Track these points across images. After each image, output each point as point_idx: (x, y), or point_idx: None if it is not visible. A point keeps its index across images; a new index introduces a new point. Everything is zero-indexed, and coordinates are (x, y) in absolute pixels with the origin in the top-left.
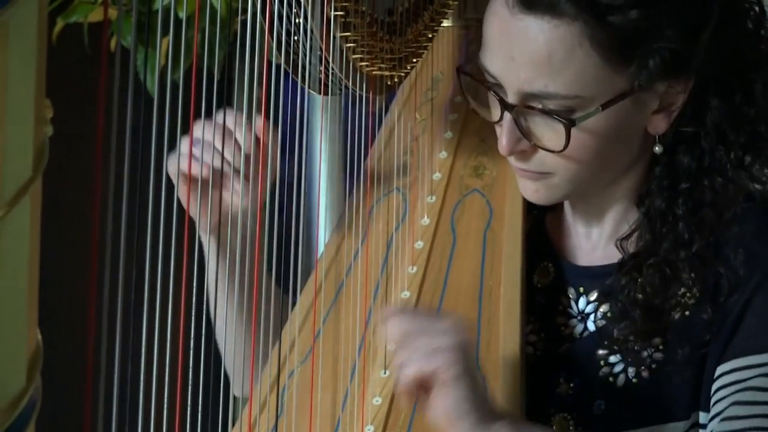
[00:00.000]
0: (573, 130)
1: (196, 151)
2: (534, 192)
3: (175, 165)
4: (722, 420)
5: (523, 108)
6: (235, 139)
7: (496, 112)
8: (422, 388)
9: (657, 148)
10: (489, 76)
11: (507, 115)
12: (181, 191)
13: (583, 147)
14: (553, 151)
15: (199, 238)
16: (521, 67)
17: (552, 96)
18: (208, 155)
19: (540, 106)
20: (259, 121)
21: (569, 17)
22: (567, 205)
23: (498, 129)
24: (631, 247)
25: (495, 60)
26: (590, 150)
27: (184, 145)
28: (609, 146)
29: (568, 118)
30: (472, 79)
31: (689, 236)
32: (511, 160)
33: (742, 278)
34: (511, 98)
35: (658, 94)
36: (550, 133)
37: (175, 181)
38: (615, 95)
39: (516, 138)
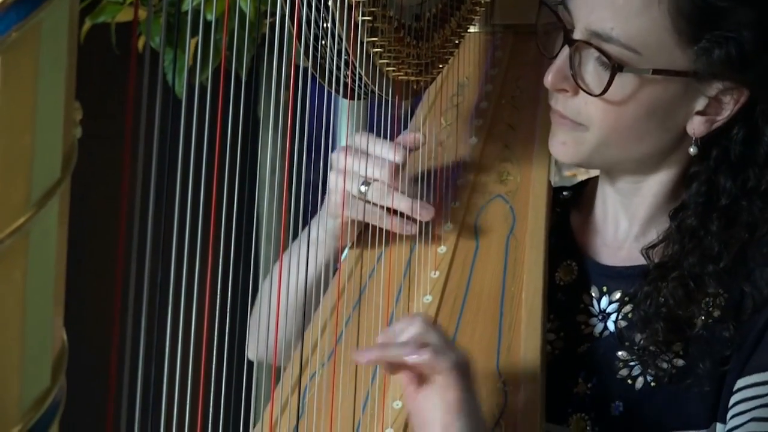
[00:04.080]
0: (617, 79)
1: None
2: (561, 144)
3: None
4: None
5: (582, 44)
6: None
7: (557, 47)
8: (410, 375)
9: (692, 149)
10: (564, 11)
11: (565, 49)
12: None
13: (621, 104)
14: (591, 94)
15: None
16: (597, 4)
17: (613, 40)
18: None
19: (598, 46)
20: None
21: None
22: (599, 200)
23: (552, 64)
24: (656, 255)
25: None
26: (626, 111)
27: (342, 159)
28: (645, 119)
29: (617, 64)
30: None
31: (718, 252)
32: (551, 100)
33: (766, 298)
34: (576, 34)
35: (709, 94)
36: (596, 78)
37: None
38: (670, 68)
39: (564, 73)
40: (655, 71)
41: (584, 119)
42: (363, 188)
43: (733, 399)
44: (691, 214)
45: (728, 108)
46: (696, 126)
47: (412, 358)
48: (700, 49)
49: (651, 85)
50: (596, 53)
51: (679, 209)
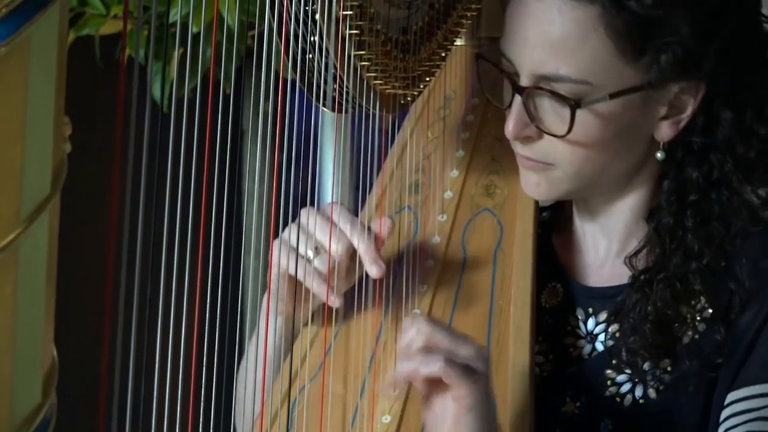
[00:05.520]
0: (578, 115)
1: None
2: (536, 186)
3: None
4: None
5: (533, 90)
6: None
7: (507, 97)
8: (428, 385)
9: (659, 154)
10: (506, 61)
11: (517, 98)
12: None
13: (587, 136)
14: (556, 136)
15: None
16: (535, 48)
17: (562, 79)
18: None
19: (549, 88)
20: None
21: (587, 0)
22: (576, 220)
23: (508, 115)
24: (640, 263)
25: (511, 42)
26: (593, 140)
27: (288, 234)
28: (613, 142)
29: (574, 101)
30: (487, 71)
31: (699, 249)
32: (516, 147)
33: (751, 293)
34: (524, 81)
35: (668, 99)
36: (555, 117)
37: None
38: (625, 87)
39: (523, 122)
40: (612, 95)
41: (553, 159)
42: (311, 253)
43: (725, 413)
44: (666, 213)
45: (690, 104)
46: (663, 131)
47: (424, 370)
48: (647, 61)
49: (611, 109)
50: (550, 95)
51: (655, 211)
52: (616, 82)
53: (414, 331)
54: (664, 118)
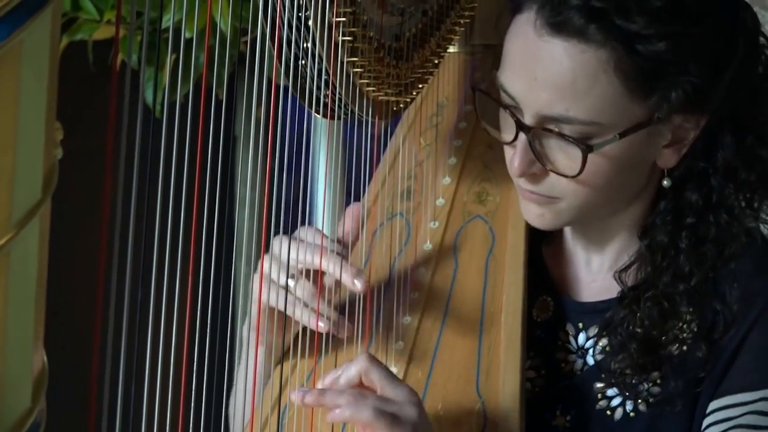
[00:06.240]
0: (589, 156)
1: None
2: (538, 216)
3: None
4: None
5: (539, 130)
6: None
7: (509, 132)
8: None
9: (665, 182)
10: (506, 95)
11: (522, 137)
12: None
13: (596, 174)
14: (566, 176)
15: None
16: (543, 89)
17: (571, 120)
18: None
19: (557, 130)
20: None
21: (597, 43)
22: (567, 233)
23: (509, 150)
24: (629, 278)
25: (516, 80)
26: (602, 177)
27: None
28: (620, 175)
29: (585, 144)
30: (486, 98)
31: (689, 270)
32: (520, 182)
33: (737, 315)
34: (528, 120)
35: (671, 128)
36: (564, 157)
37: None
38: (633, 125)
39: (529, 160)
40: (622, 134)
41: (558, 193)
42: (291, 282)
43: (706, 421)
44: (660, 232)
45: (693, 131)
46: (667, 158)
47: (332, 416)
48: (657, 99)
49: (619, 147)
50: (558, 136)
51: (648, 228)
52: (625, 120)
53: (350, 365)
54: (668, 145)
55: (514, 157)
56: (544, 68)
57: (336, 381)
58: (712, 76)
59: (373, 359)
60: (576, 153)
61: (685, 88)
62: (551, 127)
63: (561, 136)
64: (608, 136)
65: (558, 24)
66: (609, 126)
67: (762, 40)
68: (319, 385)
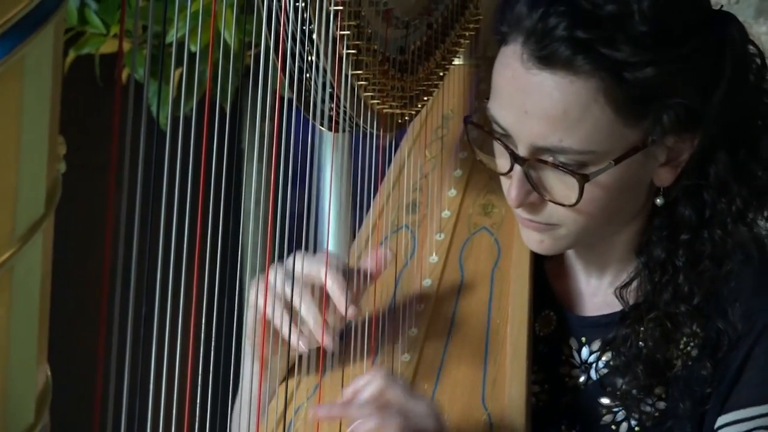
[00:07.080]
0: (585, 185)
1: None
2: (539, 243)
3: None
4: None
5: (534, 161)
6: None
7: (504, 163)
8: None
9: (658, 200)
10: (498, 127)
11: (517, 168)
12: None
13: (594, 200)
14: (564, 205)
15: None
16: (535, 122)
17: (566, 151)
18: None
19: (552, 160)
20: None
21: (585, 74)
22: (568, 252)
23: (505, 180)
24: (630, 296)
25: (506, 112)
26: (600, 203)
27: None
28: (618, 199)
29: (581, 173)
30: (479, 130)
31: (689, 289)
32: (518, 210)
33: (741, 335)
34: (522, 151)
35: (666, 148)
36: (561, 186)
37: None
38: (628, 149)
39: (526, 191)
40: (617, 160)
41: (557, 220)
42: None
43: None
44: (656, 248)
45: (687, 149)
46: (663, 177)
47: (355, 428)
48: (650, 122)
49: (615, 172)
50: (554, 167)
51: (645, 245)
52: (620, 146)
53: (366, 381)
54: (663, 165)
55: (511, 188)
56: (534, 102)
57: (355, 395)
58: (703, 95)
59: (390, 376)
60: (572, 182)
61: (677, 110)
62: (546, 157)
63: (556, 166)
64: (604, 163)
65: (545, 57)
66: (604, 153)
67: (752, 48)
68: (339, 399)
